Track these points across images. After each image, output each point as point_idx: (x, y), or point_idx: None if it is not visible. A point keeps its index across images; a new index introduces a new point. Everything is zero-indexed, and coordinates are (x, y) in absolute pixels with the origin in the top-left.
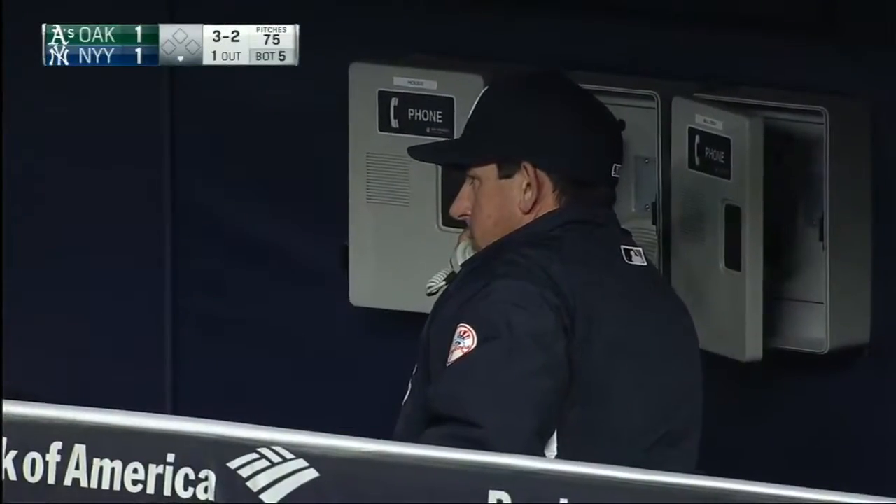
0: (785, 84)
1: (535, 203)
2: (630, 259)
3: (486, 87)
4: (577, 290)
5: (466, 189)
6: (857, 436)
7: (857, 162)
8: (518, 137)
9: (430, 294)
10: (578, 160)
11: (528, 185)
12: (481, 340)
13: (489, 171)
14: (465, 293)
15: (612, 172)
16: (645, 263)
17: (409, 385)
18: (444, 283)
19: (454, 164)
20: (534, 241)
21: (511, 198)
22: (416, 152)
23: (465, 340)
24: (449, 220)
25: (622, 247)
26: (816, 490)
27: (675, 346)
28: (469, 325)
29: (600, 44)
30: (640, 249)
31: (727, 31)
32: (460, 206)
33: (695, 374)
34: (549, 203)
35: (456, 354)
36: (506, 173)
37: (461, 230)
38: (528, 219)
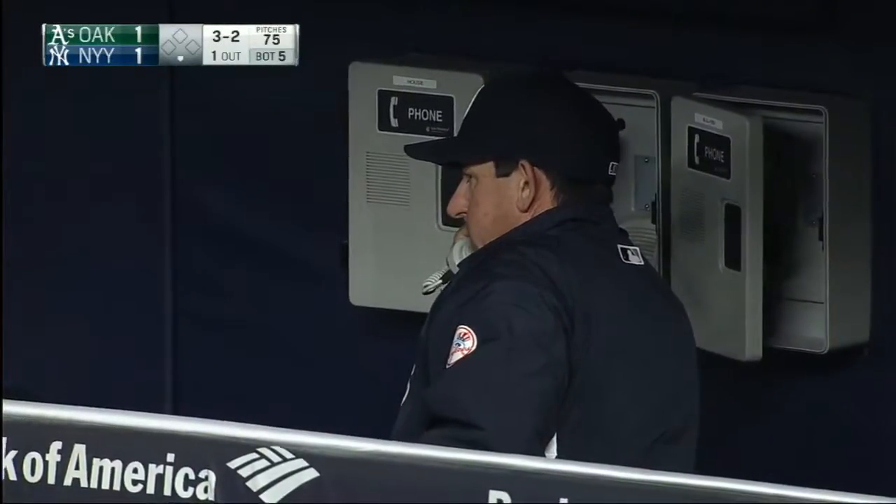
0: (784, 83)
1: (532, 201)
2: (627, 258)
3: (483, 86)
4: (575, 290)
5: (463, 187)
6: (857, 435)
7: (856, 161)
8: (516, 135)
9: (427, 293)
10: (576, 158)
11: (526, 183)
12: (481, 342)
13: (486, 170)
14: (464, 294)
15: (610, 171)
16: (642, 262)
17: (408, 385)
18: (440, 282)
19: (451, 162)
20: (532, 240)
21: (508, 196)
22: (413, 150)
23: (465, 342)
24: (449, 220)
25: (619, 246)
26: (816, 490)
27: (672, 345)
28: (469, 326)
29: (600, 43)
30: (637, 248)
31: (726, 31)
32: (457, 205)
33: (692, 372)
34: (546, 201)
35: (456, 356)
36: (503, 171)
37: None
38: (526, 217)
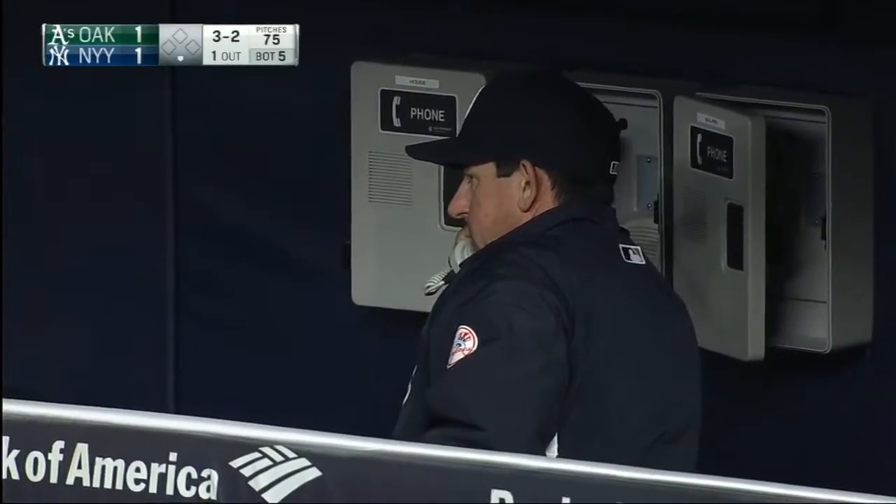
0: (787, 83)
1: (533, 201)
2: (628, 258)
3: (484, 86)
4: (576, 290)
5: (465, 188)
6: (859, 435)
7: (859, 161)
8: (517, 135)
9: (429, 294)
10: (577, 158)
11: (528, 183)
12: (481, 342)
13: (488, 170)
14: (465, 294)
15: (611, 170)
16: (643, 262)
17: (409, 385)
18: (442, 282)
19: (453, 162)
20: (533, 240)
21: (510, 196)
22: (414, 151)
23: (466, 342)
24: (451, 220)
25: (620, 245)
26: (818, 489)
27: (673, 344)
28: (469, 326)
29: (603, 43)
30: (639, 248)
31: (729, 30)
32: (458, 205)
33: (693, 372)
34: (547, 201)
35: (456, 356)
36: (504, 172)
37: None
38: (527, 217)
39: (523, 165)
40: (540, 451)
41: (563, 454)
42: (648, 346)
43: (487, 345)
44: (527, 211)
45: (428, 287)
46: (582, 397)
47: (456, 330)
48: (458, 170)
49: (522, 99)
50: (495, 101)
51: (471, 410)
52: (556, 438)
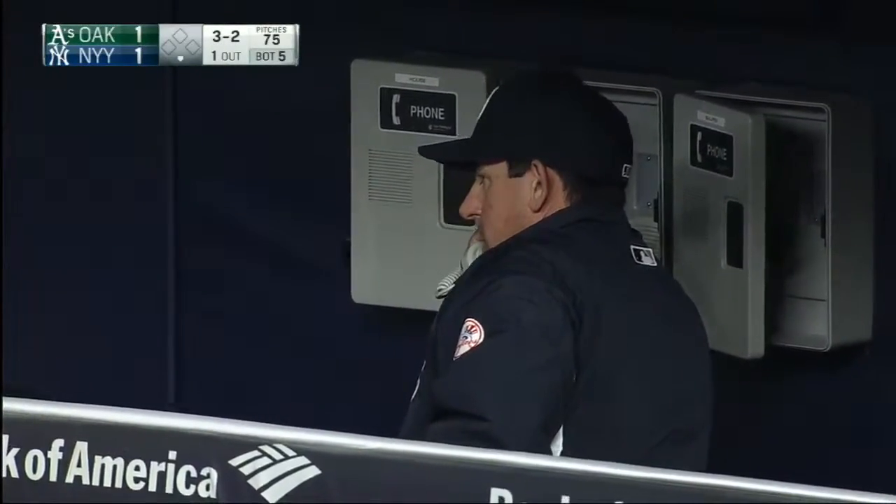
0: (787, 81)
1: (545, 201)
2: (640, 259)
3: (497, 87)
4: (585, 287)
5: (476, 188)
6: (859, 433)
7: (859, 159)
8: (529, 136)
9: (441, 297)
10: (589, 159)
11: (539, 183)
12: (488, 334)
13: (499, 170)
14: (474, 289)
15: (623, 173)
16: (654, 264)
17: (418, 381)
18: (454, 286)
19: (465, 162)
20: (543, 238)
21: (521, 196)
22: (426, 151)
23: (473, 335)
24: (451, 218)
25: (632, 247)
26: (817, 487)
27: (683, 346)
28: (476, 319)
29: (602, 41)
30: (650, 250)
31: (729, 28)
32: (470, 206)
33: (703, 373)
34: (559, 202)
35: (463, 349)
36: (516, 172)
37: (464, 227)
38: (539, 217)
39: (535, 165)
40: (544, 443)
41: (569, 450)
42: (657, 346)
43: (494, 337)
44: (538, 211)
45: (440, 290)
46: (588, 394)
47: (463, 323)
48: (471, 170)
49: (534, 99)
50: (507, 101)
51: (476, 402)
52: (561, 434)
